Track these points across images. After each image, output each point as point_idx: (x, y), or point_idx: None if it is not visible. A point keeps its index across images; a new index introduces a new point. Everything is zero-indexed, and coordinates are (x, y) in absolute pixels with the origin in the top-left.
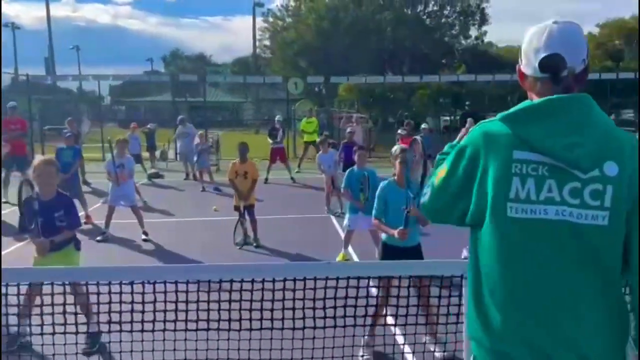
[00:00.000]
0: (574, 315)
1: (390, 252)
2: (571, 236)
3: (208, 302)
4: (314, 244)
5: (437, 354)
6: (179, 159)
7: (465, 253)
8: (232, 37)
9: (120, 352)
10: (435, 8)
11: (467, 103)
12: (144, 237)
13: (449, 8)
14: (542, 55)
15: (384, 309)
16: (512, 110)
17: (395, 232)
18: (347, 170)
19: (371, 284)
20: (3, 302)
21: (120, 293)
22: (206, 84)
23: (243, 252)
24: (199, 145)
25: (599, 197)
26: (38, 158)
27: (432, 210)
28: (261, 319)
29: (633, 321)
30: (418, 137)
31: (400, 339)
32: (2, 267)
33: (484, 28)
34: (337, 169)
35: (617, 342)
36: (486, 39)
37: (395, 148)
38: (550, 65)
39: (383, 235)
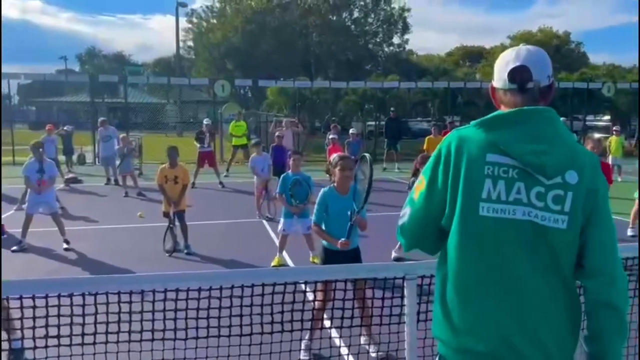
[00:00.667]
0: (538, 311)
1: (330, 255)
2: (535, 236)
3: (142, 312)
4: (248, 249)
5: (374, 354)
6: (99, 163)
7: (394, 254)
8: (152, 36)
9: None
10: (360, 15)
11: (391, 109)
12: (65, 245)
13: (373, 16)
14: (512, 66)
15: (323, 312)
16: (485, 117)
17: (338, 244)
18: (282, 175)
19: (309, 288)
20: None
21: (47, 307)
22: (127, 84)
23: (174, 259)
24: (122, 149)
25: (560, 202)
26: None
27: (410, 232)
28: (197, 328)
29: (586, 321)
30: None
31: (337, 342)
32: None
33: (406, 36)
34: (270, 172)
35: (574, 340)
36: (408, 47)
37: (334, 156)
38: (518, 75)
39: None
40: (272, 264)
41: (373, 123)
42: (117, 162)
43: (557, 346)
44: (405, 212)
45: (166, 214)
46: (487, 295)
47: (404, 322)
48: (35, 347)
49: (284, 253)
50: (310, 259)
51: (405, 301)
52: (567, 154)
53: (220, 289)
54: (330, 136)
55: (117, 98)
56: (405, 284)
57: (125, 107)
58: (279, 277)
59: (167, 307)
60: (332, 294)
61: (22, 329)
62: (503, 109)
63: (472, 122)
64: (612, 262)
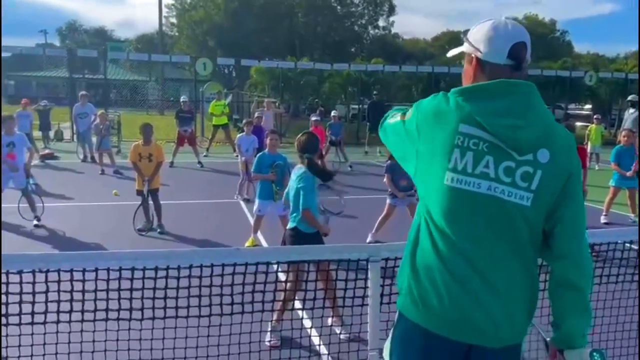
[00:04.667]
0: (497, 287)
1: (302, 238)
2: (498, 211)
3: (107, 290)
4: (222, 229)
5: (342, 336)
6: (76, 139)
7: (370, 238)
8: (134, 12)
9: (7, 347)
10: None
11: (374, 92)
12: (35, 222)
13: None
14: (513, 42)
15: (294, 293)
16: (465, 86)
17: (326, 230)
18: (258, 155)
19: (280, 269)
20: None
21: (7, 283)
22: (107, 60)
23: (147, 238)
24: (99, 126)
25: (528, 180)
26: None
27: (387, 131)
28: (165, 307)
29: (550, 305)
30: None
31: (307, 323)
32: None
33: (392, 18)
34: (254, 153)
35: (527, 320)
36: (393, 30)
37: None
38: (521, 51)
39: (294, 221)
40: (246, 244)
41: (357, 106)
42: (94, 139)
43: (507, 320)
44: (387, 119)
45: (140, 192)
46: (443, 267)
47: (367, 305)
48: None
49: (259, 234)
50: None
51: (369, 283)
52: (541, 132)
53: (178, 268)
54: (313, 118)
55: (97, 74)
56: (369, 266)
57: (105, 83)
58: (241, 257)
59: (130, 285)
60: (305, 275)
61: None
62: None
63: (454, 90)
64: (579, 245)
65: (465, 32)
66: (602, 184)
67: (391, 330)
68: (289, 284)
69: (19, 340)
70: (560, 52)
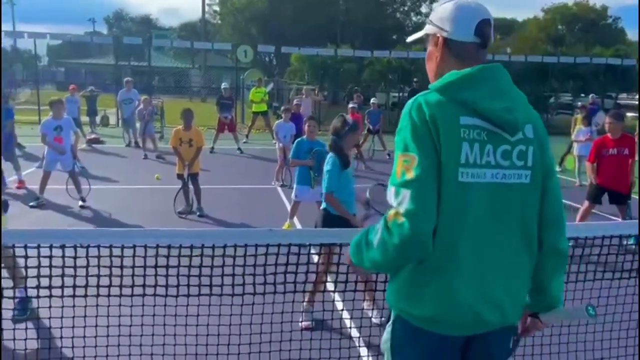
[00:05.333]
0: (505, 272)
1: (330, 219)
2: (503, 197)
3: (144, 267)
4: (259, 214)
5: (374, 320)
6: (121, 125)
7: None
8: (178, 0)
9: (50, 317)
10: None
11: (415, 80)
12: (81, 203)
13: None
14: (478, 19)
15: (325, 275)
16: (445, 80)
17: (358, 222)
18: (296, 140)
19: (313, 251)
20: None
21: (50, 257)
22: (151, 48)
23: (186, 221)
24: (143, 112)
25: (523, 158)
26: None
27: (420, 214)
28: (199, 285)
29: (536, 271)
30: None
31: (339, 305)
32: None
33: (434, 5)
34: (291, 140)
35: (526, 295)
36: None
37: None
38: (487, 29)
39: (324, 203)
40: (282, 228)
41: (397, 94)
42: (138, 125)
43: (513, 306)
44: (403, 198)
45: (180, 176)
46: (461, 264)
47: None
48: (38, 297)
49: (295, 219)
50: None
51: None
52: (525, 109)
53: (213, 247)
54: (350, 105)
55: (142, 62)
56: None
57: (149, 70)
58: (275, 238)
59: (167, 263)
60: (337, 258)
61: (26, 278)
62: (449, 65)
63: (433, 86)
64: (562, 211)
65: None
66: None
67: (389, 327)
68: (321, 266)
69: (62, 311)
70: (612, 39)
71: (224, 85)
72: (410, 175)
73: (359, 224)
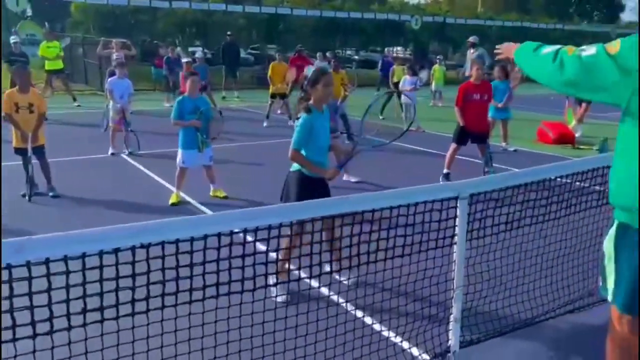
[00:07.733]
0: None
1: (308, 184)
2: None
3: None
4: (128, 188)
5: (344, 282)
6: None
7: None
8: None
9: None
10: None
11: (228, 33)
12: None
13: None
14: None
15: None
16: None
17: (329, 174)
18: (177, 100)
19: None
20: None
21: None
22: None
23: (35, 205)
24: None
25: None
26: None
27: (583, 61)
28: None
29: None
30: None
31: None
32: None
33: None
34: (130, 101)
35: None
36: None
37: (314, 71)
38: None
39: (296, 166)
40: (171, 201)
41: (200, 49)
42: None
43: None
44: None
45: (19, 150)
46: None
47: (455, 243)
48: None
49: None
50: (211, 193)
51: (457, 221)
52: None
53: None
54: (184, 60)
55: None
56: (457, 204)
57: None
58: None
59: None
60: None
61: None
62: None
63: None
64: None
65: None
66: (445, 118)
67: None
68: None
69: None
70: None
71: (13, 39)
72: (587, 54)
73: (328, 175)
